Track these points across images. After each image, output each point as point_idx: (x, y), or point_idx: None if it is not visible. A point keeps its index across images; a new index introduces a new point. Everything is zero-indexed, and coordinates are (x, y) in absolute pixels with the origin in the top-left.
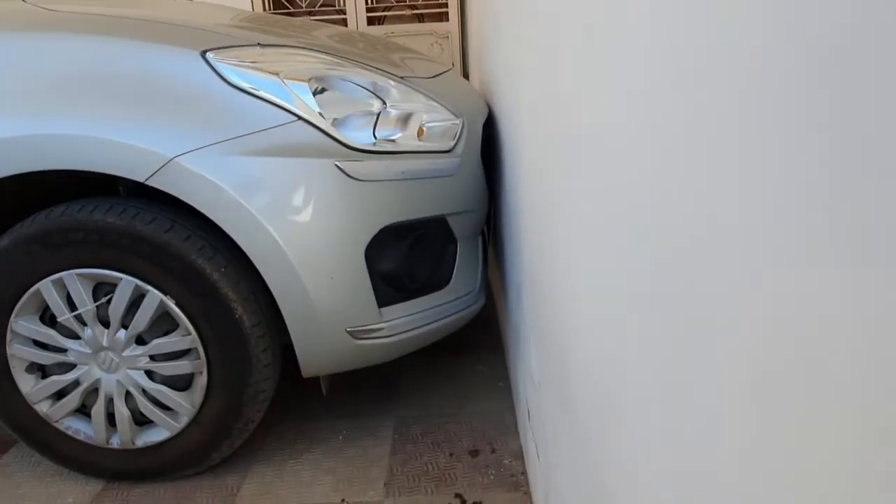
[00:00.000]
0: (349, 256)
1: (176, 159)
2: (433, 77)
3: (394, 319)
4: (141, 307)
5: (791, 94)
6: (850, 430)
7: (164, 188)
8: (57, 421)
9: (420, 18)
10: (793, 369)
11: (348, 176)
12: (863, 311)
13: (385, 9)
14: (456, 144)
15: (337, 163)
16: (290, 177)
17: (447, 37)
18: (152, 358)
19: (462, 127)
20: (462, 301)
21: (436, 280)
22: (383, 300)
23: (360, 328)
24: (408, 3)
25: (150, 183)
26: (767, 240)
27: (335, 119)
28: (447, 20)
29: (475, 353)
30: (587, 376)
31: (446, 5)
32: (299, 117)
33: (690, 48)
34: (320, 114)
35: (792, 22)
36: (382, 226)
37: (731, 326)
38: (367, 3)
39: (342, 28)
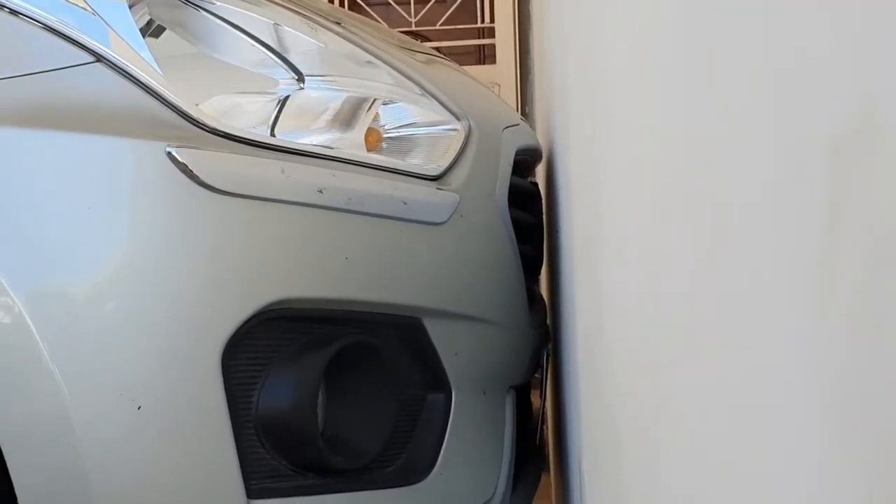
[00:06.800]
0: (183, 365)
1: None
2: (424, 58)
3: None
4: None
5: None
6: None
7: None
8: None
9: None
10: None
11: (193, 179)
12: None
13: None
14: (451, 168)
15: (171, 149)
16: (60, 174)
17: (497, 86)
18: None
19: (467, 139)
20: None
21: (396, 460)
22: (260, 482)
23: None
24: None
25: None
26: None
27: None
28: (494, 62)
29: None
30: None
31: (491, 34)
32: (100, 57)
33: None
34: (149, 61)
35: None
36: (265, 304)
37: None
38: None
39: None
